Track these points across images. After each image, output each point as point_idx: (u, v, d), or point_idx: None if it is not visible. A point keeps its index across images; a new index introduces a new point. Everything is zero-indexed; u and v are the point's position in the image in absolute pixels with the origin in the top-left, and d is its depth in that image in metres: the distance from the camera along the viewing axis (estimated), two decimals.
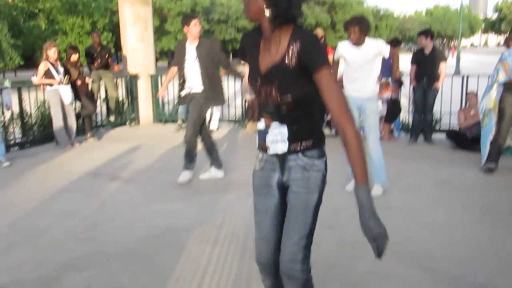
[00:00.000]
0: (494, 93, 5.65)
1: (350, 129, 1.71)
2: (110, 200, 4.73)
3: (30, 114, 7.72)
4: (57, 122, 7.27)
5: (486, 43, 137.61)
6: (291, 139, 1.85)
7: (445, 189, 4.93)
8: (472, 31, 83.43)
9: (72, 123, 7.48)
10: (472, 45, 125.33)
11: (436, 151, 6.73)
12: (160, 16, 39.71)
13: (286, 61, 1.77)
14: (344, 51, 4.65)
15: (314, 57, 1.72)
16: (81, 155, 6.81)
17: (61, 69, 7.30)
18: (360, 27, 4.43)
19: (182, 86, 5.13)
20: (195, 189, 5.04)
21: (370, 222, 1.66)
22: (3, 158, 6.31)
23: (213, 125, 8.61)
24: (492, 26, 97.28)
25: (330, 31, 67.23)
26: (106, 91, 8.86)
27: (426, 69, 7.03)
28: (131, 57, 9.33)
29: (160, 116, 9.68)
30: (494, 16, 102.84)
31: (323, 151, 1.90)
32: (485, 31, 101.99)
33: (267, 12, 1.75)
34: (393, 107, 7.28)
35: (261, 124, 1.94)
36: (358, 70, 4.59)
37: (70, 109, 7.45)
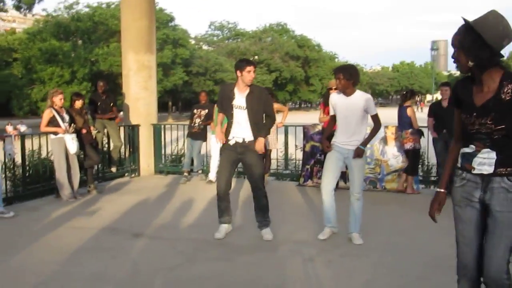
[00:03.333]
0: None
1: None
2: (142, 261, 4.23)
3: (25, 164, 7.13)
4: (61, 173, 6.74)
5: None
6: (498, 163, 2.19)
7: None
8: (437, 87, 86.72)
9: (76, 174, 6.96)
10: (436, 99, 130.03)
11: None
12: None
13: (501, 96, 2.18)
14: (334, 101, 4.66)
15: None
16: (89, 209, 6.27)
17: (67, 117, 6.86)
18: (344, 74, 4.47)
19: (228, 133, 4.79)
20: (233, 247, 4.59)
21: None
22: (2, 208, 5.75)
23: (212, 175, 8.17)
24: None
25: (304, 85, 68.82)
26: (108, 140, 8.39)
27: (446, 123, 6.88)
28: (133, 106, 8.97)
29: (162, 168, 9.23)
30: (457, 73, 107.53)
31: None
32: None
33: (470, 63, 2.23)
34: (415, 159, 7.09)
35: (468, 149, 2.29)
36: (346, 119, 4.56)
37: (75, 160, 6.95)
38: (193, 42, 54.99)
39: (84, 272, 3.92)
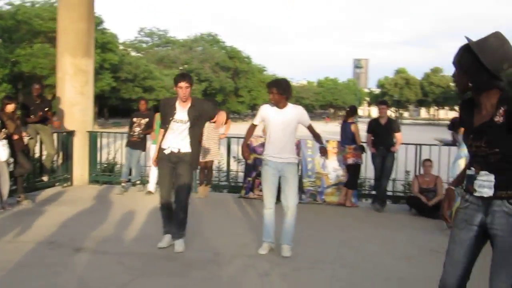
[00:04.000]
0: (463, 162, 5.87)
1: None
2: (90, 278, 3.98)
3: None
4: None
5: (369, 115, 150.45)
6: (497, 186, 2.15)
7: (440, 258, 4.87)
8: (359, 103, 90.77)
9: (5, 182, 6.46)
10: (358, 115, 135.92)
11: (403, 218, 6.75)
12: None
13: (495, 119, 2.13)
14: (266, 113, 4.73)
15: None
16: (21, 221, 5.82)
17: None
18: (278, 88, 4.55)
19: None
20: (183, 261, 4.45)
21: None
22: None
23: (151, 186, 7.95)
24: (376, 99, 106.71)
25: (233, 96, 69.19)
26: (41, 148, 7.88)
27: (383, 139, 7.19)
28: (68, 111, 8.52)
29: (96, 177, 8.83)
30: (377, 91, 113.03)
31: None
32: (369, 104, 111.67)
33: (470, 84, 2.21)
34: (356, 173, 7.32)
35: (470, 171, 2.28)
36: (280, 132, 4.65)
37: (4, 167, 6.44)
38: (121, 47, 53.46)
39: None
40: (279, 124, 4.62)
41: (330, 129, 30.02)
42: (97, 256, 4.56)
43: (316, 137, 4.87)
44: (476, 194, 2.23)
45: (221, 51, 68.14)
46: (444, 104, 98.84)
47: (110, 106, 50.43)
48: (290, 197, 4.65)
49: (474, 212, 2.26)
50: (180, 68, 63.79)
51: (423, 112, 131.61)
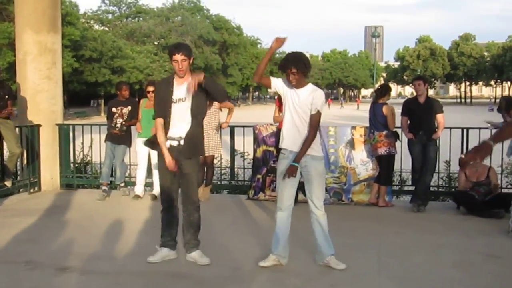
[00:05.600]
0: None
1: None
2: None
3: None
4: None
5: None
6: None
7: (501, 265, 4.91)
8: (375, 80, 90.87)
9: None
10: (372, 94, 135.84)
11: (451, 219, 6.78)
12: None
13: None
14: (283, 89, 4.66)
15: None
16: None
17: None
18: (297, 66, 4.47)
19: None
20: (196, 281, 4.45)
21: None
22: None
23: (138, 189, 7.92)
24: (395, 75, 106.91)
25: (221, 76, 69.11)
26: (1, 146, 7.81)
27: (422, 122, 7.18)
28: (32, 101, 8.44)
29: (70, 180, 8.80)
30: (395, 64, 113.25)
31: None
32: (387, 80, 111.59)
33: None
34: (389, 166, 7.32)
35: None
36: (297, 119, 4.60)
37: None
38: (82, 20, 53.22)
39: None
40: (297, 108, 4.58)
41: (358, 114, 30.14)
42: (88, 277, 4.56)
43: (310, 138, 4.67)
44: None
45: (205, 21, 67.99)
46: (477, 79, 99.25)
47: (71, 92, 50.26)
48: (318, 197, 4.66)
49: None
50: (155, 43, 63.65)
51: (452, 89, 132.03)
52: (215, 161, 8.24)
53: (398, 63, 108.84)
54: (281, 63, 4.58)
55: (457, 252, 5.32)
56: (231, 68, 71.46)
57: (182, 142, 4.75)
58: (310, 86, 4.68)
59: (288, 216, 4.72)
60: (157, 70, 53.67)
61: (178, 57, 4.61)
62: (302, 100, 4.59)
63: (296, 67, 4.48)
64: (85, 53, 44.33)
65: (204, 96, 4.78)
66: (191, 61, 4.71)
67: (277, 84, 4.72)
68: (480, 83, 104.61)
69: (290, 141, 4.65)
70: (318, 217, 4.67)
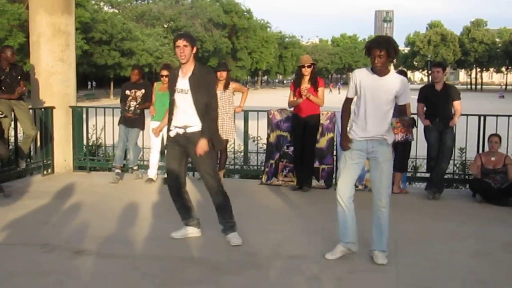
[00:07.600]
0: None
1: None
2: (101, 287, 3.97)
3: None
4: None
5: None
6: None
7: None
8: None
9: None
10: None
11: (467, 207, 6.73)
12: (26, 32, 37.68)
13: None
14: (360, 80, 4.47)
15: None
16: (2, 219, 5.80)
17: None
18: (388, 48, 4.28)
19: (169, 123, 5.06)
20: (212, 265, 4.44)
21: None
22: None
23: (152, 173, 7.92)
24: (405, 61, 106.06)
25: (230, 60, 68.89)
26: (16, 127, 7.80)
27: (439, 109, 7.11)
28: (45, 83, 8.43)
29: (83, 163, 8.80)
30: (405, 49, 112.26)
31: None
32: (397, 66, 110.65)
33: None
34: (405, 153, 7.26)
35: None
36: (373, 107, 4.43)
37: None
38: (92, 2, 53.13)
39: None
40: (376, 96, 4.39)
41: None
42: (105, 261, 4.55)
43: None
44: None
45: (214, 4, 67.60)
46: (488, 65, 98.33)
47: (81, 75, 50.32)
48: (385, 188, 4.48)
49: None
50: (165, 26, 63.49)
51: (462, 75, 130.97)
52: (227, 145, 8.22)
53: (408, 48, 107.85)
54: (368, 44, 4.40)
55: (475, 241, 5.28)
56: (241, 52, 71.15)
57: (188, 130, 4.84)
58: (394, 73, 4.53)
59: (349, 205, 4.58)
60: (166, 53, 53.61)
61: (180, 42, 4.74)
62: (386, 87, 4.40)
63: (387, 49, 4.26)
64: (95, 35, 44.32)
65: (206, 90, 4.84)
66: (193, 50, 4.80)
67: (353, 86, 4.53)
68: (491, 69, 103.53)
69: (362, 128, 4.46)
70: (379, 210, 4.53)
